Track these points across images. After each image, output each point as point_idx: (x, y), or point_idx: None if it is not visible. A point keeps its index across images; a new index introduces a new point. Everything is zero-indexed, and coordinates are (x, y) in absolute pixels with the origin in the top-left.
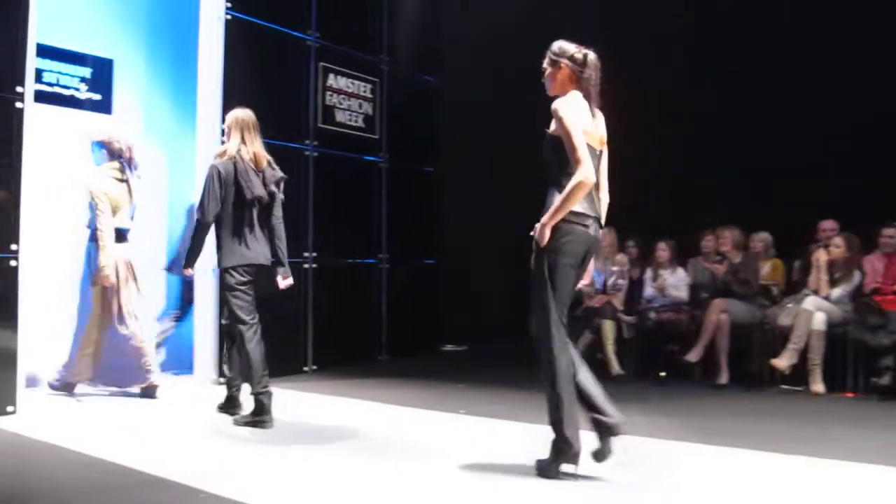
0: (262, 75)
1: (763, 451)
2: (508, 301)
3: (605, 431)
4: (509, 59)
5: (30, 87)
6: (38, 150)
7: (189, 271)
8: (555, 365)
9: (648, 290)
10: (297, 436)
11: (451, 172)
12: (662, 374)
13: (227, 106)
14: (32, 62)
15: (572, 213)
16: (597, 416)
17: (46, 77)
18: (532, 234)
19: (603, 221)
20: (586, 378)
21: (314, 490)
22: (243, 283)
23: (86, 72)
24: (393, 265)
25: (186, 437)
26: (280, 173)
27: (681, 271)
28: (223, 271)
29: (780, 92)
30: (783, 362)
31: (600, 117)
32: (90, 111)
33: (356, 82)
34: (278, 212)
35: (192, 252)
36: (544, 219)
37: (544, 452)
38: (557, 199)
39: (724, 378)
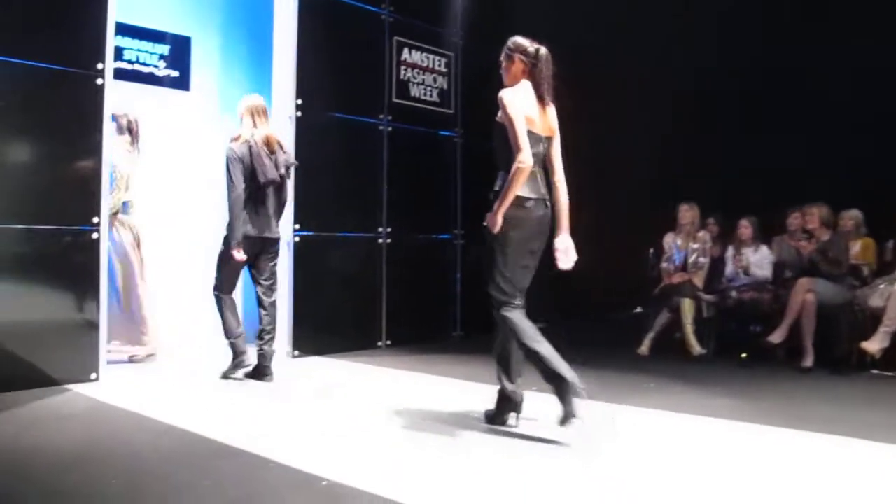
0: (337, 50)
1: (855, 437)
2: (586, 280)
3: None
4: (587, 31)
5: (110, 64)
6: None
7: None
8: (517, 330)
9: (730, 269)
10: (367, 409)
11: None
12: (744, 355)
13: (302, 81)
14: (112, 40)
15: (516, 196)
16: None
17: (127, 55)
18: (485, 223)
19: (565, 203)
20: None
21: (378, 462)
22: (229, 256)
23: (164, 49)
24: (468, 241)
25: (260, 408)
26: (292, 158)
27: (764, 249)
28: (225, 238)
29: (868, 71)
30: (874, 346)
31: (551, 107)
32: (169, 88)
33: (431, 56)
34: (285, 193)
35: (234, 229)
36: (494, 207)
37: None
38: (505, 187)
39: (808, 361)
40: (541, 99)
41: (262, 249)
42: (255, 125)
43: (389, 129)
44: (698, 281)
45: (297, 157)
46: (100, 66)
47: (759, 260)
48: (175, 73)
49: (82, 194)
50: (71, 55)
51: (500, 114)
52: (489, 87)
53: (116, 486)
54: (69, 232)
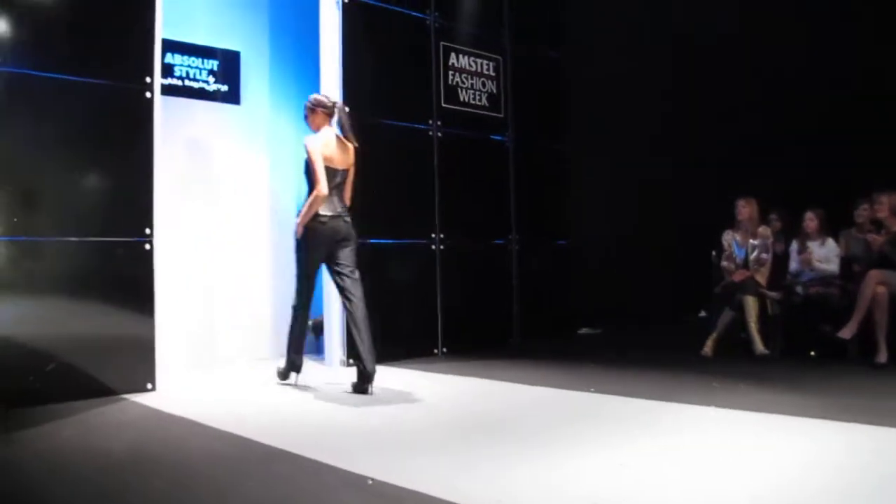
0: (383, 57)
1: None
2: (645, 284)
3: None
4: (642, 33)
5: (157, 77)
6: (169, 140)
7: None
8: (299, 312)
9: (795, 264)
10: (419, 413)
11: (583, 151)
12: (813, 353)
13: (348, 89)
14: (158, 53)
15: (316, 214)
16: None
17: (178, 71)
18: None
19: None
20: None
21: (426, 462)
22: None
23: (214, 64)
24: (523, 246)
25: (313, 414)
26: None
27: (830, 242)
28: None
29: None
30: None
31: (348, 146)
32: (219, 102)
33: (478, 60)
34: None
35: None
36: (297, 220)
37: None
38: (304, 207)
39: (882, 357)
40: (339, 140)
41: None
42: None
43: (439, 134)
44: (761, 278)
45: None
46: (148, 79)
47: (826, 254)
48: (225, 88)
49: (134, 206)
50: (119, 70)
51: (306, 156)
52: (540, 90)
53: (161, 485)
54: (122, 244)
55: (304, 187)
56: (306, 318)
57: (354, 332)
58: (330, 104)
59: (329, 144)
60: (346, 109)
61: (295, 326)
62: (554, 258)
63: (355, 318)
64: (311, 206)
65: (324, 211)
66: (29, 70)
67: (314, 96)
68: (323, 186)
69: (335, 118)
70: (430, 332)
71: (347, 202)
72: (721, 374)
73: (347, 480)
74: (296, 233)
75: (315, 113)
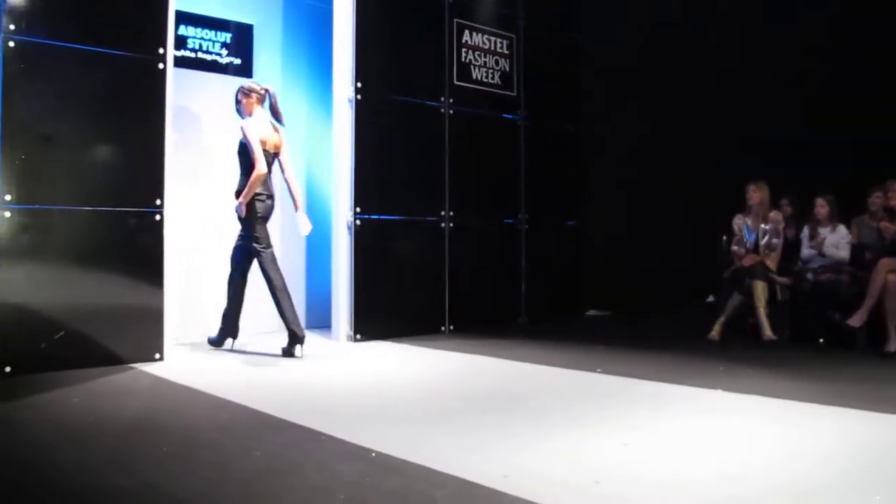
0: (396, 33)
1: None
2: (654, 267)
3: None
4: (659, 17)
5: (170, 49)
6: (181, 112)
7: None
8: (272, 281)
9: (805, 250)
10: (424, 387)
11: (595, 132)
12: (822, 340)
13: (361, 64)
14: (172, 24)
15: (256, 192)
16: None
17: (191, 43)
18: (236, 210)
19: (297, 191)
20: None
21: (429, 436)
22: None
23: (227, 37)
24: (532, 226)
25: (318, 386)
26: None
27: (842, 229)
28: None
29: None
30: None
31: (280, 130)
32: (231, 76)
33: (492, 38)
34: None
35: None
36: (240, 199)
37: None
38: (246, 187)
39: (892, 346)
40: (271, 124)
41: None
42: None
43: (451, 111)
44: (772, 263)
45: (356, 140)
46: (161, 50)
47: (836, 240)
48: (238, 61)
49: (146, 177)
50: (133, 41)
51: (241, 137)
52: (554, 70)
53: (169, 452)
54: (133, 214)
55: (238, 169)
56: (283, 286)
57: (281, 299)
58: (262, 91)
59: (264, 128)
60: (276, 95)
61: (281, 301)
62: (563, 239)
63: (279, 287)
64: (252, 185)
65: (261, 190)
66: (43, 39)
67: (247, 83)
68: (262, 166)
69: (266, 103)
70: (438, 310)
71: (293, 181)
72: (728, 358)
73: (351, 452)
74: (239, 212)
75: (249, 98)
